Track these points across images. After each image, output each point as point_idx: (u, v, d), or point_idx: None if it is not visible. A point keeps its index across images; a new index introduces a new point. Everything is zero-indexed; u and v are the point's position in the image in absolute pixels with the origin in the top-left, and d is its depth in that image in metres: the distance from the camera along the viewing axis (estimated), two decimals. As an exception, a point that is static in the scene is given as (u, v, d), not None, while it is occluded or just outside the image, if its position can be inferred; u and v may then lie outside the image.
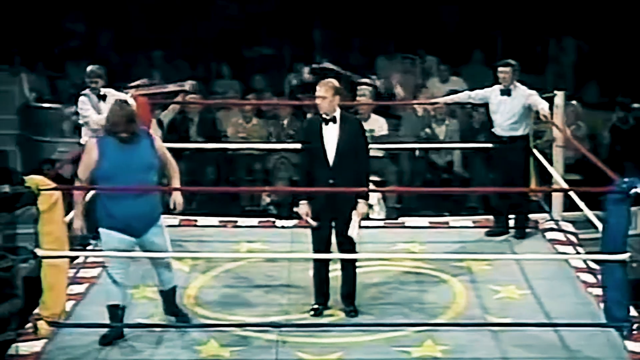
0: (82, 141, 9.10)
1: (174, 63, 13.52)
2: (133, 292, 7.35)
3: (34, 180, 6.46)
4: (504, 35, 13.75)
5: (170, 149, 6.98)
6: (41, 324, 6.57)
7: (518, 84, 8.70)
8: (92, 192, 8.07)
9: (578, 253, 8.34)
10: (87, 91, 9.14)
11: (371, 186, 8.11)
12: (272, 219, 9.50)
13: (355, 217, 6.98)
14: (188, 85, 11.25)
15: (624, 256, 6.47)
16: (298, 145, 7.54)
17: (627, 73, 12.96)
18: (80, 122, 9.18)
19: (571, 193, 8.76)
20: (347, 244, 7.04)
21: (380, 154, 10.90)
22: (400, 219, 9.49)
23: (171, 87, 11.28)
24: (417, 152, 11.36)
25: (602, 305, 6.80)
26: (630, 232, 6.63)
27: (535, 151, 8.96)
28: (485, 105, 8.96)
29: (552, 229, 8.86)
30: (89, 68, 9.23)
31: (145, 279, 7.31)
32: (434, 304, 7.31)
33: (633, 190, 6.42)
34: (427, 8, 14.04)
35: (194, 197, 10.76)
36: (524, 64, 8.96)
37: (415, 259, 8.17)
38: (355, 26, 13.83)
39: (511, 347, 6.55)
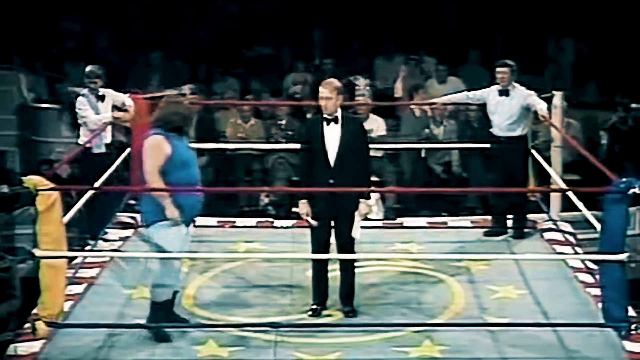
0: (80, 141, 9.11)
1: (174, 63, 13.51)
2: (132, 292, 7.37)
3: (32, 180, 6.44)
4: (503, 36, 13.74)
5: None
6: (39, 325, 6.55)
7: (516, 85, 8.70)
8: (91, 192, 8.15)
9: (576, 253, 8.33)
10: (85, 91, 9.15)
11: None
12: (271, 219, 9.51)
13: (357, 217, 6.99)
14: (187, 89, 11.24)
15: (622, 256, 6.46)
16: (297, 145, 7.54)
17: (626, 73, 12.96)
18: (79, 122, 9.19)
19: (569, 193, 8.75)
20: (347, 245, 7.04)
21: (379, 154, 10.91)
22: (399, 219, 9.50)
23: (169, 93, 11.25)
24: (422, 153, 11.36)
25: (600, 305, 6.78)
26: (629, 232, 6.63)
27: (533, 151, 8.96)
28: (483, 106, 8.96)
29: (550, 229, 8.86)
30: (88, 68, 9.25)
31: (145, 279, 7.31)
32: (433, 304, 7.31)
33: (631, 190, 6.42)
34: (427, 8, 14.03)
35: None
36: (522, 64, 8.96)
37: (413, 259, 8.17)
38: (355, 26, 13.82)
39: (509, 347, 6.54)
